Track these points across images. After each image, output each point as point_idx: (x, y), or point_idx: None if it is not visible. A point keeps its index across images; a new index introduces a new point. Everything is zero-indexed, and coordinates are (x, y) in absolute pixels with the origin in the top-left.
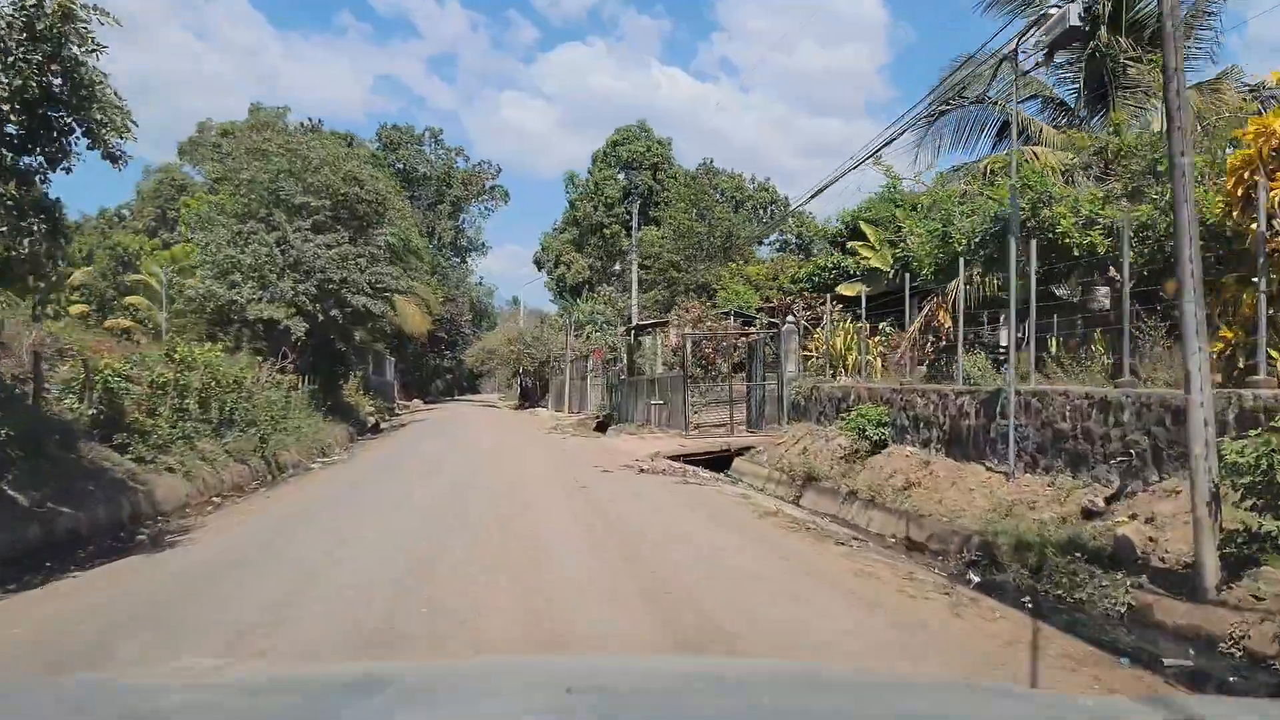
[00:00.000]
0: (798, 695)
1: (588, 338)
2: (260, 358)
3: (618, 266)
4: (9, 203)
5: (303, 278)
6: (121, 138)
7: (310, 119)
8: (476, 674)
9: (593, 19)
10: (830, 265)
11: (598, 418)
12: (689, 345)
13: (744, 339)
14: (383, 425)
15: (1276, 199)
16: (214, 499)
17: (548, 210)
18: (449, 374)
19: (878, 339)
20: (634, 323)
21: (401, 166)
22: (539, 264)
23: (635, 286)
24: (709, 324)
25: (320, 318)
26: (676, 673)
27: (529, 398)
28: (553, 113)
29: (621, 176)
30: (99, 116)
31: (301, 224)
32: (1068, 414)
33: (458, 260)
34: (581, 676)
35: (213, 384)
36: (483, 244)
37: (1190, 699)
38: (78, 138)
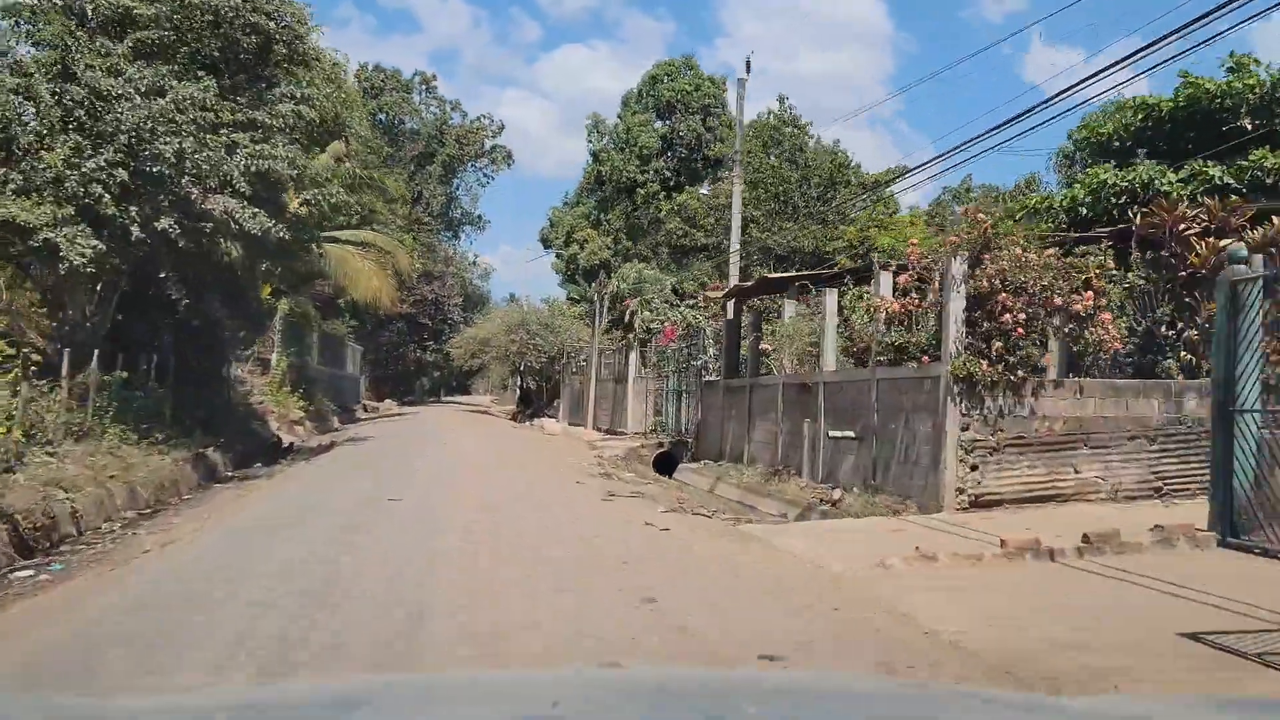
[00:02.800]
0: (787, 705)
1: (626, 319)
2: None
3: (713, 192)
4: None
5: (95, 147)
6: None
7: None
8: (460, 689)
9: (595, 20)
10: (1119, 184)
11: (659, 444)
12: (956, 293)
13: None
14: (307, 443)
15: None
16: None
17: (546, 210)
18: (436, 370)
19: None
20: (738, 282)
21: (385, 117)
22: (546, 242)
23: (738, 220)
24: (1020, 255)
25: (136, 232)
26: (664, 684)
27: (531, 403)
28: (553, 113)
29: (659, 125)
30: None
31: (109, 45)
32: None
33: (449, 235)
34: (569, 690)
35: None
36: (478, 217)
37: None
38: None
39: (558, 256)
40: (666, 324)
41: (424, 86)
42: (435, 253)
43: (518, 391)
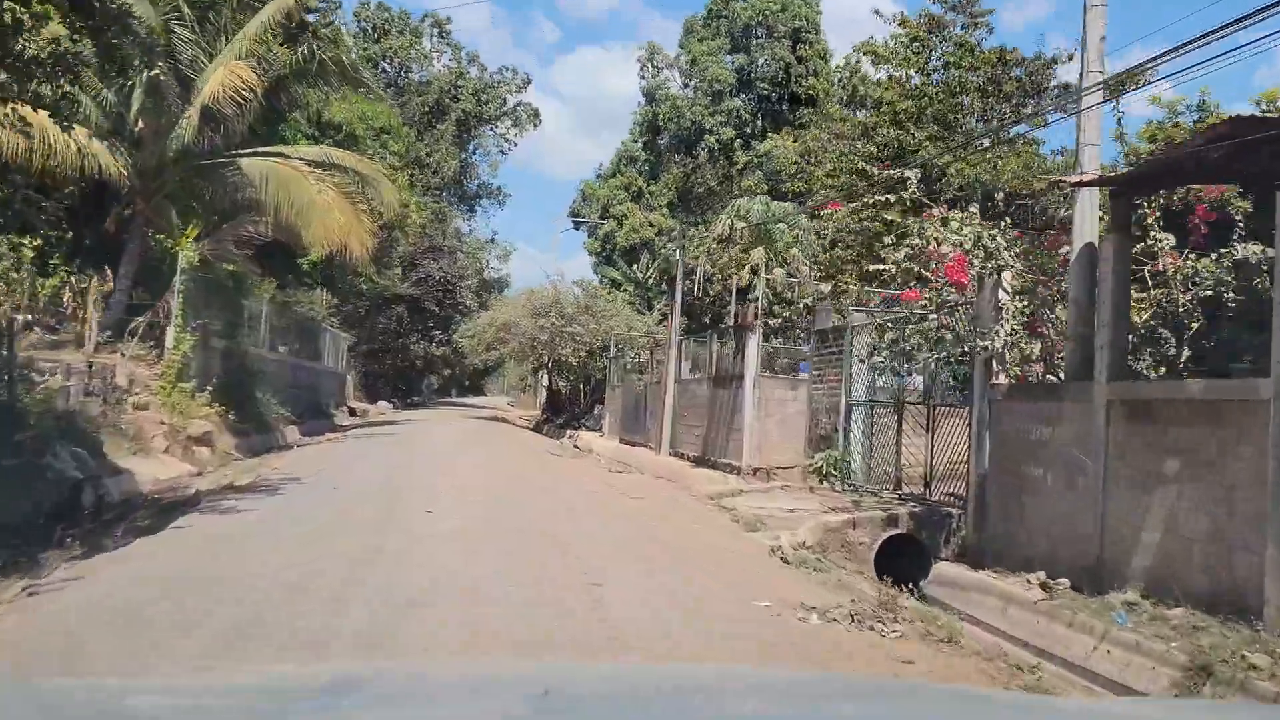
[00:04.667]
0: (782, 703)
1: (744, 284)
2: None
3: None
4: None
5: None
6: None
7: None
8: (453, 676)
9: (613, 21)
10: None
11: (888, 518)
12: None
13: None
14: (178, 489)
15: None
16: None
17: (562, 212)
18: (446, 367)
19: None
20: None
21: (389, 65)
22: (576, 218)
23: (1099, 33)
24: None
25: None
26: (660, 678)
27: (562, 410)
28: (568, 115)
29: (733, 59)
30: None
31: None
32: None
33: (464, 210)
34: (560, 680)
35: None
36: (498, 189)
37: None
38: None
39: (590, 235)
40: (949, 252)
41: (436, 30)
42: (446, 223)
43: (543, 393)
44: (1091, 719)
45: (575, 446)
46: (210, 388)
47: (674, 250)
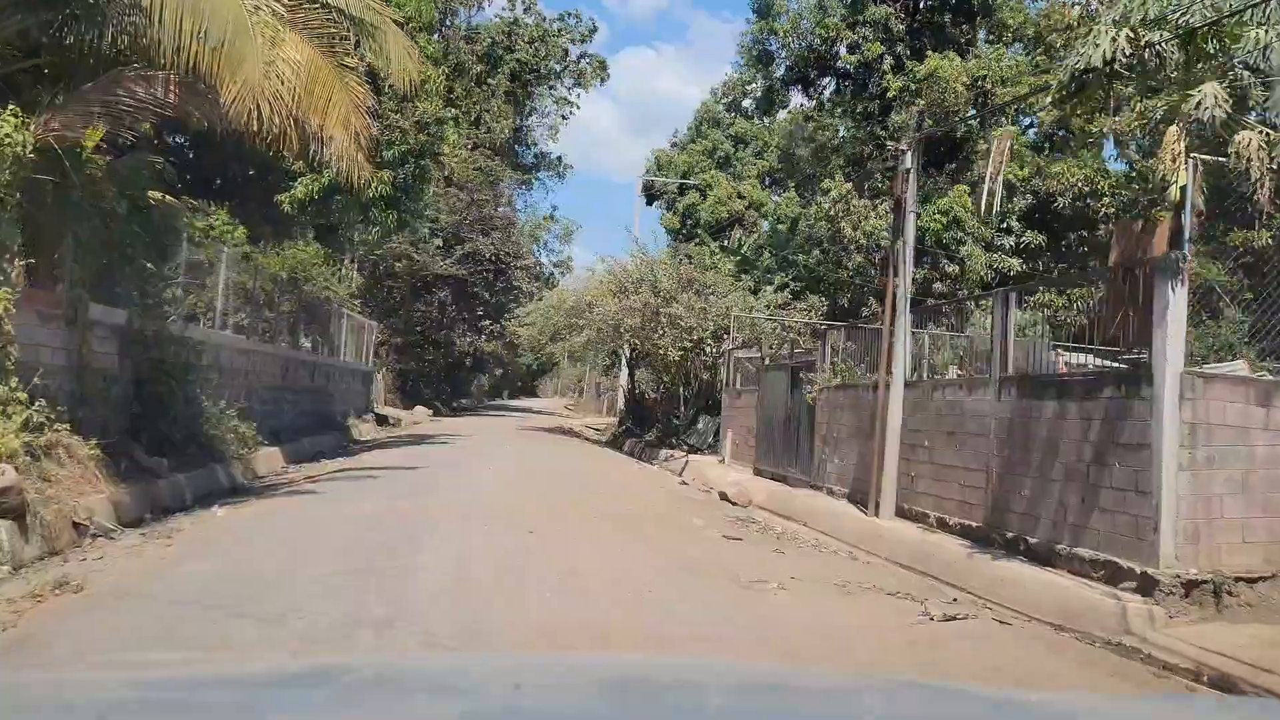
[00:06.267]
0: (756, 699)
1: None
2: None
3: None
4: None
5: None
6: None
7: None
8: (427, 670)
9: (663, 21)
10: None
11: None
12: None
13: None
14: None
15: None
16: None
17: (615, 215)
18: (499, 366)
19: None
20: None
21: (431, 7)
22: (650, 194)
23: None
24: None
25: None
26: (635, 672)
27: (649, 421)
28: (618, 115)
29: None
30: None
31: None
32: None
33: (520, 184)
34: (534, 674)
35: None
36: (558, 160)
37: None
38: None
39: (667, 209)
40: None
41: None
42: (497, 187)
43: (620, 397)
44: (1085, 718)
45: (724, 499)
46: (31, 388)
47: (909, 147)
